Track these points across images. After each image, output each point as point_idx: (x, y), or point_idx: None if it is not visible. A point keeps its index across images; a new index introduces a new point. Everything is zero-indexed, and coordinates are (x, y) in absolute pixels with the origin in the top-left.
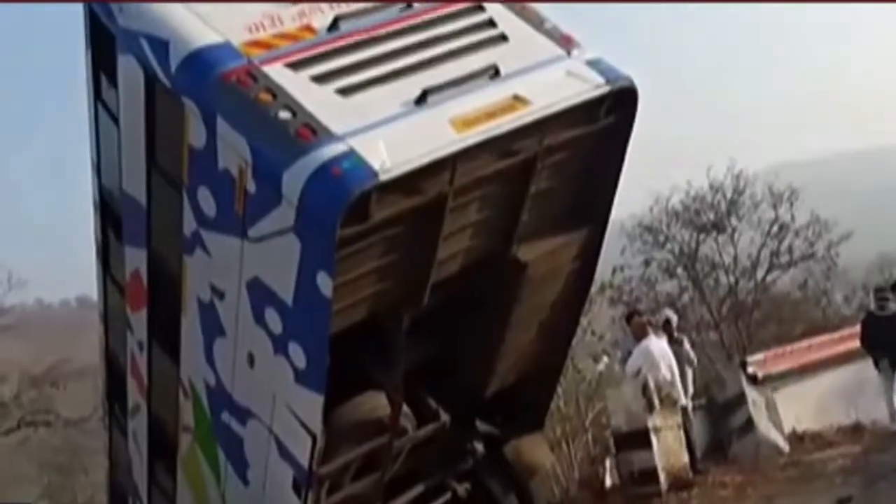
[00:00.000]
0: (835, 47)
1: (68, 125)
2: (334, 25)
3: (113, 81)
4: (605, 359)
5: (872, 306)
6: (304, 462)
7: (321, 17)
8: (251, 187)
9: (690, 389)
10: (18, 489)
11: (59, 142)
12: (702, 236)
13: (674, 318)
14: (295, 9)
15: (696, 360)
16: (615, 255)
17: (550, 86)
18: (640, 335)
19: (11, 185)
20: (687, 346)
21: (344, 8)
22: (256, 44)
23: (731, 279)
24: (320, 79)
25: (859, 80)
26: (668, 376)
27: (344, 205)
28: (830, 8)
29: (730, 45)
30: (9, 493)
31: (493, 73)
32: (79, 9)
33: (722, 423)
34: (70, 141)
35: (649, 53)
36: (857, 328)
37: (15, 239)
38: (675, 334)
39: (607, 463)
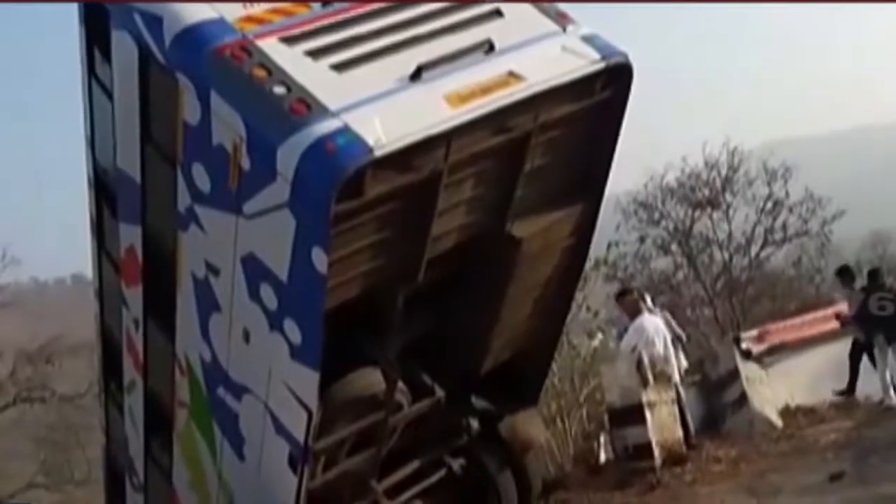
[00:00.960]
0: (830, 29)
1: (62, 103)
2: (328, 0)
3: (107, 57)
4: (600, 335)
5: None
6: (300, 438)
7: None
8: (245, 163)
9: (683, 363)
10: (15, 465)
11: (54, 119)
12: (696, 213)
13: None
14: None
15: (684, 336)
16: (610, 231)
17: (545, 61)
18: (633, 312)
19: (6, 164)
20: (672, 322)
21: None
22: (251, 19)
23: (726, 256)
24: (315, 54)
25: (855, 61)
26: (663, 352)
27: (338, 181)
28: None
29: (722, 27)
30: (5, 469)
31: (488, 48)
32: None
33: (716, 399)
34: (65, 119)
35: (642, 35)
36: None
37: (9, 217)
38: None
39: (602, 438)
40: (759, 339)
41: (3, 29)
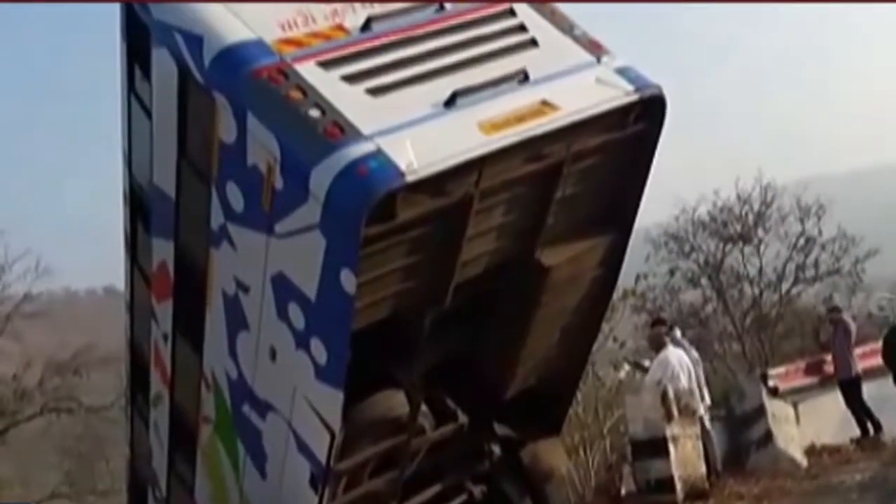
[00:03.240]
0: (865, 60)
1: (101, 118)
2: (366, 26)
3: (147, 75)
4: (626, 366)
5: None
6: (322, 458)
7: (353, 17)
8: (279, 183)
9: (707, 401)
10: (39, 475)
11: (91, 133)
12: (728, 247)
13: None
14: (328, 8)
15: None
16: (639, 262)
17: (579, 92)
18: (657, 345)
19: (42, 174)
20: (693, 351)
21: (377, 8)
22: (289, 41)
23: (756, 291)
24: (351, 78)
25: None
26: (687, 386)
27: (369, 204)
28: (859, 21)
29: (760, 59)
30: (30, 478)
31: (523, 77)
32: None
33: (740, 435)
34: (102, 133)
35: (679, 63)
36: (879, 344)
37: (44, 228)
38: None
39: (624, 470)
40: (787, 376)
41: (42, 38)
